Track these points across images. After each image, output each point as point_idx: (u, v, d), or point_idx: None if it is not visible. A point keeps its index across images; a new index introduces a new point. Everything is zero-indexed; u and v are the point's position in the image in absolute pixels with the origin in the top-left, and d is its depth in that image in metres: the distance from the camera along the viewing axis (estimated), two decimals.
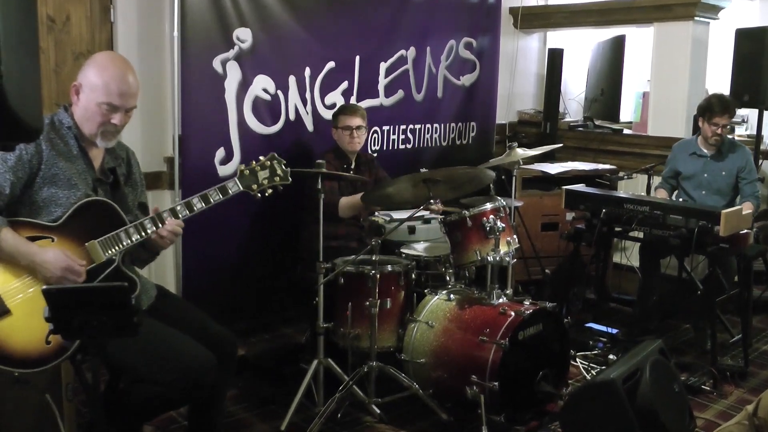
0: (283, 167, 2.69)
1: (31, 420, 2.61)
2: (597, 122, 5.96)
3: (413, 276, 3.50)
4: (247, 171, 2.64)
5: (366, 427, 3.23)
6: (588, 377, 3.69)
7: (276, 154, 2.70)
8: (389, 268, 3.38)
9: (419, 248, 3.80)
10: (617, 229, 4.07)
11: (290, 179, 2.71)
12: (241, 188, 2.61)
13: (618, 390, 2.64)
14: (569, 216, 4.88)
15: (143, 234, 2.44)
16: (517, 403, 3.13)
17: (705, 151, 4.39)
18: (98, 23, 3.76)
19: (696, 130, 4.60)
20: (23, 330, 2.26)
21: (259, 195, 2.65)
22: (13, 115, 1.35)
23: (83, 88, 2.46)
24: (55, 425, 2.57)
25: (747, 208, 4.01)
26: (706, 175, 4.39)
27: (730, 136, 4.52)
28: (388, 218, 4.11)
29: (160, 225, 2.47)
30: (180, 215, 2.51)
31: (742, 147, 4.43)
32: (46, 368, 2.30)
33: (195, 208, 2.53)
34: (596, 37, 6.03)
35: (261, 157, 2.68)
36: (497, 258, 3.36)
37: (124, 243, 2.42)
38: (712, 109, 4.23)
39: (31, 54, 1.49)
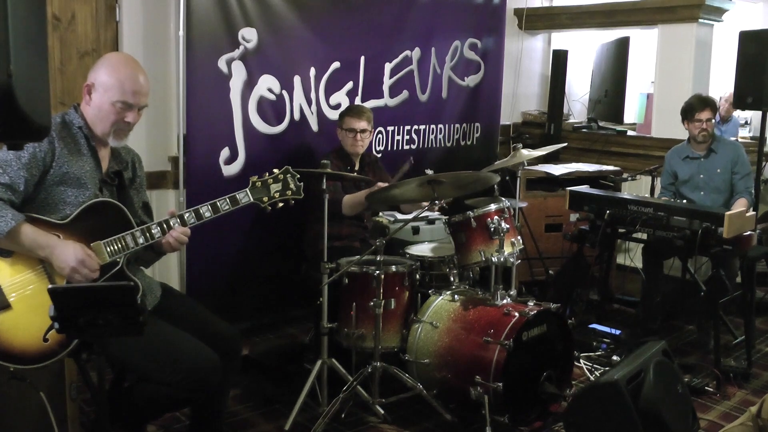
0: (297, 181, 2.65)
1: (31, 418, 2.60)
2: (601, 123, 5.96)
3: (417, 276, 3.50)
4: (259, 183, 2.60)
5: (370, 428, 3.24)
6: (592, 378, 3.69)
7: (290, 168, 2.66)
8: (394, 268, 3.38)
9: (423, 249, 3.80)
10: (621, 230, 4.07)
11: (302, 194, 2.67)
12: (252, 200, 2.58)
13: (622, 391, 2.64)
14: (573, 217, 4.88)
15: (149, 238, 2.45)
16: (521, 403, 3.13)
17: (697, 152, 4.43)
18: (104, 22, 3.77)
19: None
20: (22, 326, 2.27)
21: (269, 208, 2.61)
22: (22, 114, 1.36)
23: (96, 88, 2.47)
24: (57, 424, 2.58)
25: (741, 205, 4.04)
26: (702, 176, 4.41)
27: (732, 138, 4.53)
28: (392, 219, 4.12)
29: (167, 231, 2.47)
30: (188, 223, 2.51)
31: (732, 142, 4.47)
32: (41, 366, 2.29)
33: (204, 217, 2.53)
34: (601, 38, 6.03)
35: (275, 170, 2.64)
36: (501, 259, 3.36)
37: (130, 246, 2.42)
38: (692, 107, 4.33)
39: (40, 53, 1.50)
